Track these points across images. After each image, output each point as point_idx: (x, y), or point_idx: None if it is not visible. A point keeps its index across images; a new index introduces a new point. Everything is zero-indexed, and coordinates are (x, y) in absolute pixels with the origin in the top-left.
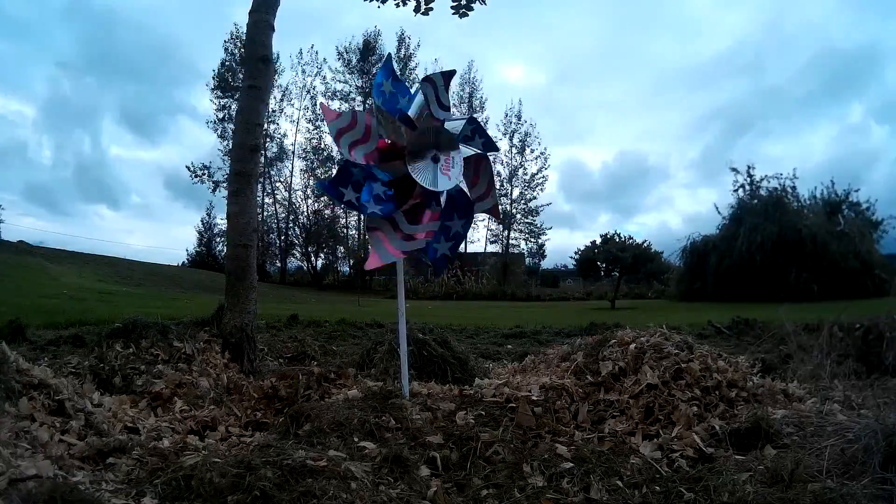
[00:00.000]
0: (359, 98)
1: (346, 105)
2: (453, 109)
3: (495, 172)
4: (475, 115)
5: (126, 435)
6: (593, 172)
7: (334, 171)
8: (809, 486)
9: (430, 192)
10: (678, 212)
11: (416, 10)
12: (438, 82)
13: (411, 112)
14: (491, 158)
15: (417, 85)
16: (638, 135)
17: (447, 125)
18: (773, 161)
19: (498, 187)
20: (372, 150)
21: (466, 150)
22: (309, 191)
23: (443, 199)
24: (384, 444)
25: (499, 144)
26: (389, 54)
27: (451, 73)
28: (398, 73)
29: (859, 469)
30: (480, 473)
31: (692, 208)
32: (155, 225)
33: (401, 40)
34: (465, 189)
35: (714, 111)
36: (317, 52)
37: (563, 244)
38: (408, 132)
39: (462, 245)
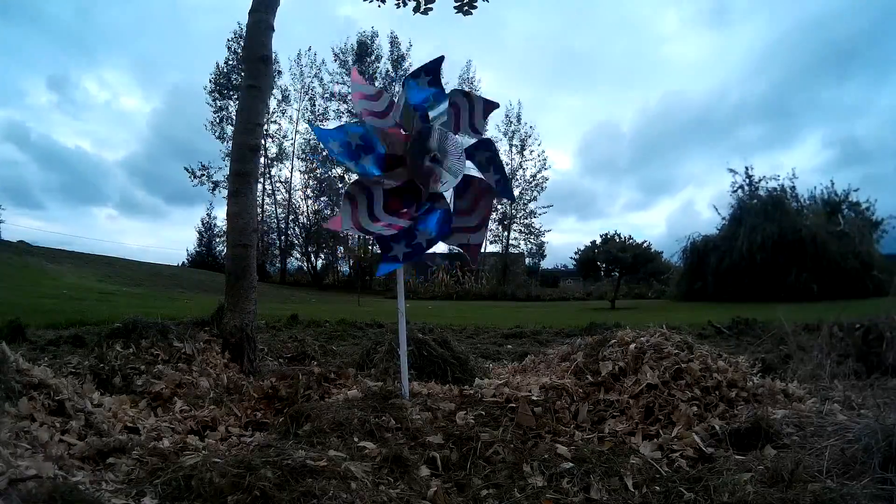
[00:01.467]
0: None
1: (346, 105)
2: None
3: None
4: (489, 138)
5: (126, 435)
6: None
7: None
8: (809, 486)
9: (414, 188)
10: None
11: (416, 9)
12: (477, 105)
13: (431, 113)
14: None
15: (402, 87)
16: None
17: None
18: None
19: (515, 199)
20: (385, 202)
21: (471, 170)
22: (309, 191)
23: (425, 205)
24: (384, 444)
25: (498, 145)
26: (442, 56)
27: (496, 105)
28: (391, 75)
29: (859, 469)
30: (480, 473)
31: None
32: (155, 225)
33: (392, 42)
34: (451, 209)
35: None
36: (315, 54)
37: (569, 237)
38: (417, 124)
39: (484, 232)
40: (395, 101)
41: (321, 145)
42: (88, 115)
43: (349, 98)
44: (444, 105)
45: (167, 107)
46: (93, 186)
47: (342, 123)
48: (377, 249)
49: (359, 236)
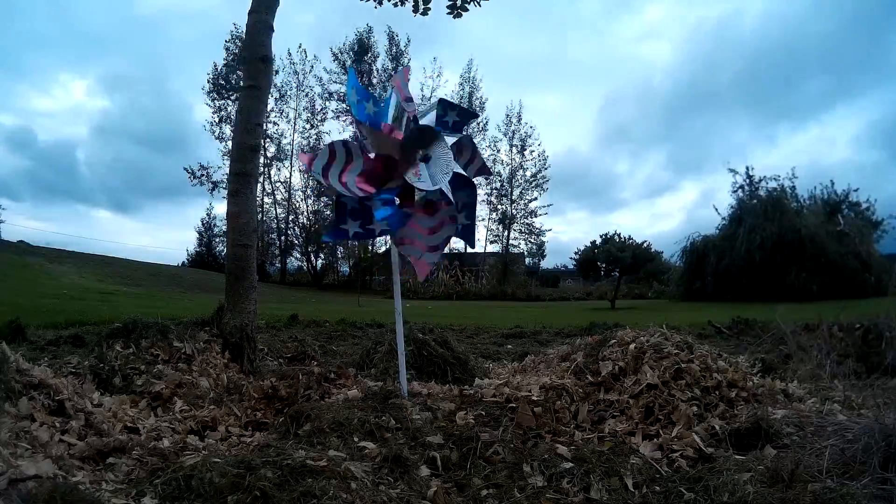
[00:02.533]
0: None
1: (345, 105)
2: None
3: (495, 171)
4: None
5: (126, 435)
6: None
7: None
8: (809, 486)
9: (389, 173)
10: None
11: (415, 9)
12: (401, 79)
13: (389, 118)
14: (475, 134)
15: (390, 90)
16: None
17: (422, 121)
18: None
19: (498, 187)
20: (361, 170)
21: (449, 139)
22: (309, 191)
23: (391, 194)
24: (384, 444)
25: (498, 145)
26: (351, 68)
27: (407, 70)
28: (390, 72)
29: (859, 469)
30: (480, 473)
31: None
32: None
33: (391, 38)
34: (457, 168)
35: None
36: (305, 51)
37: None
38: (392, 140)
39: (438, 256)
40: (345, 142)
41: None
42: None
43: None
44: (393, 101)
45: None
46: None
47: (335, 203)
48: (377, 249)
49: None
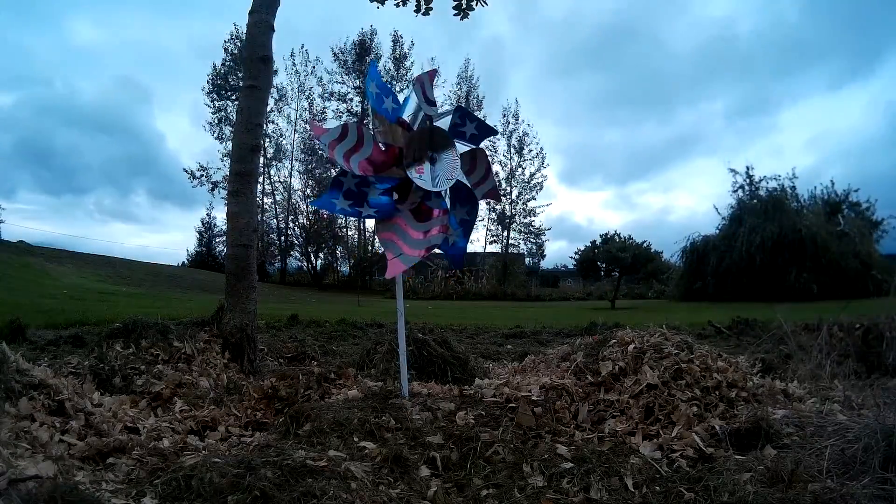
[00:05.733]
0: (357, 98)
1: (345, 105)
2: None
3: (494, 172)
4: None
5: (126, 435)
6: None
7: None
8: (809, 486)
9: (426, 198)
10: None
11: (417, 10)
12: (425, 81)
13: (405, 114)
14: (486, 146)
15: (410, 87)
16: None
17: (438, 123)
18: None
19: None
20: (368, 156)
21: (461, 147)
22: (308, 191)
23: (445, 193)
24: (384, 444)
25: (497, 146)
26: (373, 60)
27: (434, 72)
28: (392, 73)
29: (859, 469)
30: (480, 473)
31: None
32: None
33: (395, 40)
34: (464, 179)
35: None
36: (307, 52)
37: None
38: (404, 134)
39: (417, 258)
40: (361, 126)
41: (317, 144)
42: None
43: (348, 98)
44: (412, 100)
45: None
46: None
47: (334, 177)
48: (377, 249)
49: (359, 235)
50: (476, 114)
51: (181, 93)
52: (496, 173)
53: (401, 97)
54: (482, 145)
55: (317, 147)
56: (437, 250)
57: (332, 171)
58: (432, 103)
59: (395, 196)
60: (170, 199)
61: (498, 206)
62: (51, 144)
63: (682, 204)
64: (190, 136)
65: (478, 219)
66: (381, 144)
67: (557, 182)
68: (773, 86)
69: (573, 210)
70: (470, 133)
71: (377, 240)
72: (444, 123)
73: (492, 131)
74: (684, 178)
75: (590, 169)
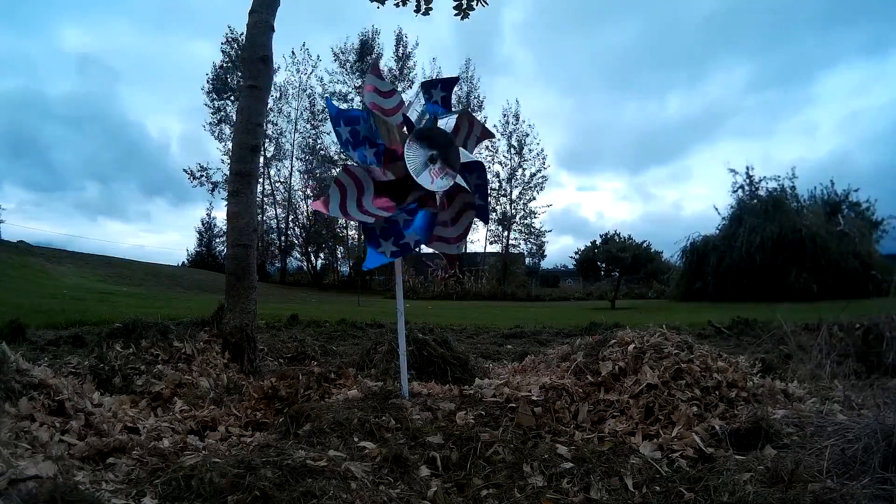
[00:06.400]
0: (357, 98)
1: (346, 105)
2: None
3: (494, 172)
4: (482, 163)
5: (126, 435)
6: None
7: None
8: (809, 486)
9: (405, 183)
10: None
11: (417, 10)
12: (476, 129)
13: (412, 116)
14: (486, 145)
15: (417, 88)
16: None
17: (415, 109)
18: None
19: (497, 188)
20: (375, 191)
21: (462, 182)
22: (309, 191)
23: (412, 203)
24: (384, 444)
25: (497, 145)
26: (327, 98)
27: (491, 135)
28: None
29: (859, 469)
30: (480, 473)
31: None
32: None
33: (398, 40)
34: (436, 213)
35: None
36: (308, 51)
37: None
38: (404, 137)
39: (462, 245)
40: (408, 102)
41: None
42: None
43: (349, 98)
44: (451, 120)
45: None
46: None
47: (353, 108)
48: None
49: (359, 235)
50: (476, 114)
51: (174, 90)
52: (496, 173)
53: (405, 97)
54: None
55: (327, 217)
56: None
57: (333, 171)
58: (388, 93)
59: (420, 211)
60: (165, 199)
61: (499, 207)
62: (35, 139)
63: (697, 193)
64: (187, 135)
65: (489, 188)
66: (379, 171)
67: (564, 169)
68: (809, 48)
69: (580, 202)
70: (440, 97)
71: (430, 246)
72: (418, 107)
73: (453, 80)
74: (704, 165)
75: (600, 151)
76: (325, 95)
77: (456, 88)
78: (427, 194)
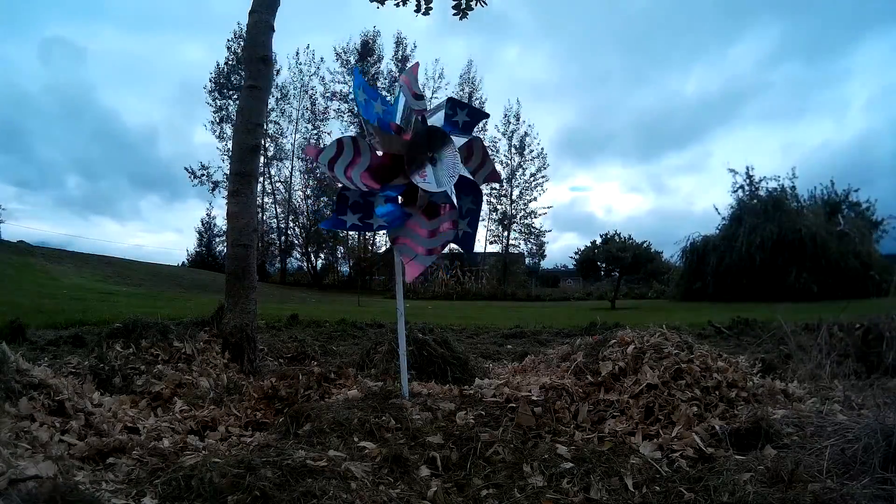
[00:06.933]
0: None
1: (347, 105)
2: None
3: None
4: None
5: (126, 435)
6: None
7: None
8: (809, 486)
9: (395, 171)
10: None
11: (417, 9)
12: (410, 76)
13: (398, 118)
14: (487, 145)
15: (398, 88)
16: None
17: (431, 119)
18: None
19: (498, 188)
20: (367, 167)
21: (459, 140)
22: (309, 191)
23: (392, 193)
24: (384, 444)
25: (498, 145)
26: (356, 67)
27: (417, 66)
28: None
29: (859, 469)
30: (480, 473)
31: None
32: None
33: (398, 42)
34: (465, 171)
35: None
36: (313, 52)
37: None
38: (398, 140)
39: (430, 259)
40: (355, 139)
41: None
42: None
43: (350, 98)
44: (401, 101)
45: None
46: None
47: (337, 193)
48: (377, 249)
49: (359, 235)
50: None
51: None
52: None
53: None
54: (477, 132)
55: (316, 169)
56: (451, 245)
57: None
58: (420, 97)
59: (401, 200)
60: (160, 197)
61: (500, 207)
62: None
63: (717, 180)
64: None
65: (480, 217)
66: (378, 153)
67: (568, 157)
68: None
69: (586, 193)
70: (462, 121)
71: (392, 246)
72: (437, 119)
73: (483, 115)
74: (724, 151)
75: (609, 133)
76: (355, 65)
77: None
78: (411, 194)
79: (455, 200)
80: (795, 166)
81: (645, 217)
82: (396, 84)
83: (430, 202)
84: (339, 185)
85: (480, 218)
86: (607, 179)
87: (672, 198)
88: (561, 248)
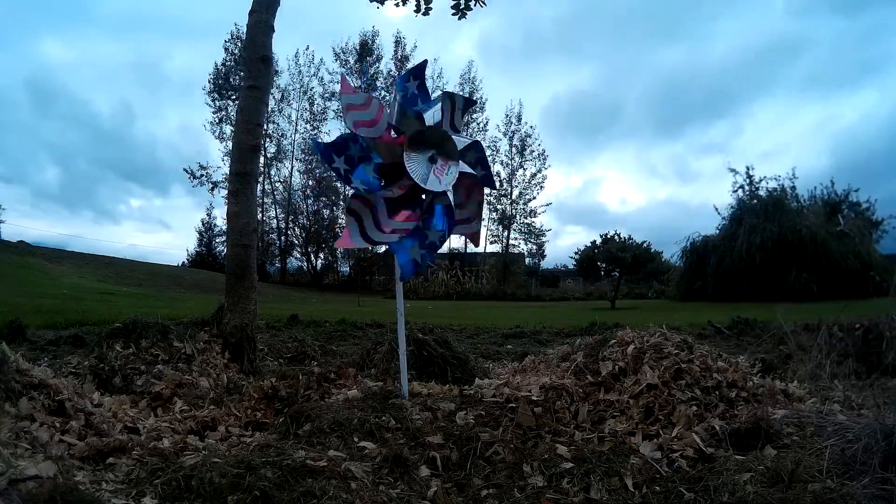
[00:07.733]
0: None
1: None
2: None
3: (495, 172)
4: (479, 140)
5: (126, 435)
6: None
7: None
8: (809, 486)
9: (414, 191)
10: None
11: (417, 10)
12: (458, 103)
13: (427, 116)
14: (487, 145)
15: (439, 93)
16: None
17: (427, 114)
18: None
19: (498, 188)
20: (376, 137)
21: (464, 167)
22: (308, 191)
23: (426, 204)
24: (384, 444)
25: (498, 145)
26: (426, 60)
27: (472, 101)
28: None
29: (859, 469)
30: (480, 473)
31: None
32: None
33: (397, 42)
34: (452, 203)
35: None
36: (313, 54)
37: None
38: (400, 148)
39: (479, 222)
40: (389, 104)
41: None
42: None
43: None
44: (437, 107)
45: None
46: None
47: (341, 135)
48: (378, 249)
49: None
50: (476, 115)
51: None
52: (497, 173)
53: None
54: (477, 132)
55: (316, 169)
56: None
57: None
58: (456, 130)
59: (384, 183)
60: (153, 193)
61: (500, 207)
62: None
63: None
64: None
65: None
66: (392, 132)
67: (574, 137)
68: None
69: (598, 183)
70: (415, 88)
71: (345, 213)
72: (433, 113)
73: (422, 67)
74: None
75: (624, 99)
76: (312, 137)
77: (456, 89)
78: (393, 175)
79: (467, 167)
80: (795, 167)
81: (659, 208)
82: (393, 86)
83: (397, 200)
84: (346, 131)
85: (466, 218)
86: (618, 162)
87: (700, 184)
88: (565, 243)
